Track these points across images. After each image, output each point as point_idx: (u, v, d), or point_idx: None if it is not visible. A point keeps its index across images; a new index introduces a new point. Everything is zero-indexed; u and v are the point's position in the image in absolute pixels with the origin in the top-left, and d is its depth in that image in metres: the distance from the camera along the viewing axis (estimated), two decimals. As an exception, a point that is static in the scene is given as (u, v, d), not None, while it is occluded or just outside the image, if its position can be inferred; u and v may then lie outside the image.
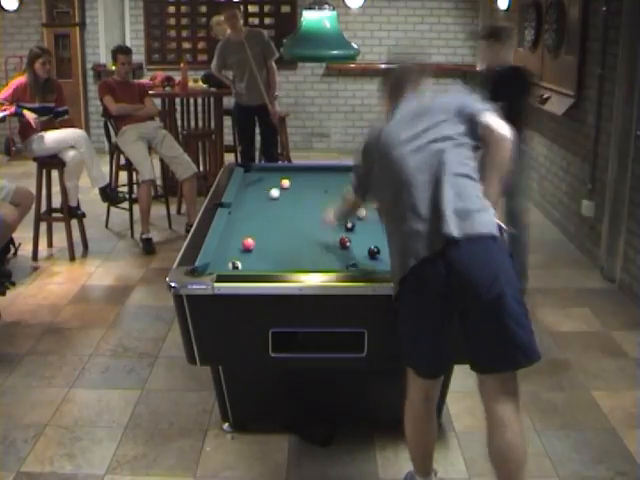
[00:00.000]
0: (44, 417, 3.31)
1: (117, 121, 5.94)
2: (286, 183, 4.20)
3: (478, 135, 2.51)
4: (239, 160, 6.95)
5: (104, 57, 8.91)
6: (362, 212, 3.68)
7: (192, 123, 7.26)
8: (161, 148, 5.96)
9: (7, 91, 5.37)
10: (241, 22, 6.57)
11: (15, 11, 8.89)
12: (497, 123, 2.49)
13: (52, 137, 5.41)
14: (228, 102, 7.13)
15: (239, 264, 2.91)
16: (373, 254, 3.09)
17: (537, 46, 6.58)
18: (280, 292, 2.74)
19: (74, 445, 3.12)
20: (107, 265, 5.34)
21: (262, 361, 2.86)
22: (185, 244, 3.15)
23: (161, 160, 6.26)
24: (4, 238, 4.54)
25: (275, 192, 4.06)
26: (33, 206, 4.94)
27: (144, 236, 5.70)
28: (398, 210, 2.46)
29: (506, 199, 4.16)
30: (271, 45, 6.50)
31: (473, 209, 2.37)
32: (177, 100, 7.18)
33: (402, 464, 2.99)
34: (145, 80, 6.82)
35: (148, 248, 5.64)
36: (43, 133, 5.38)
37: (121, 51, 5.97)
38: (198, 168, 6.77)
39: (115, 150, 6.16)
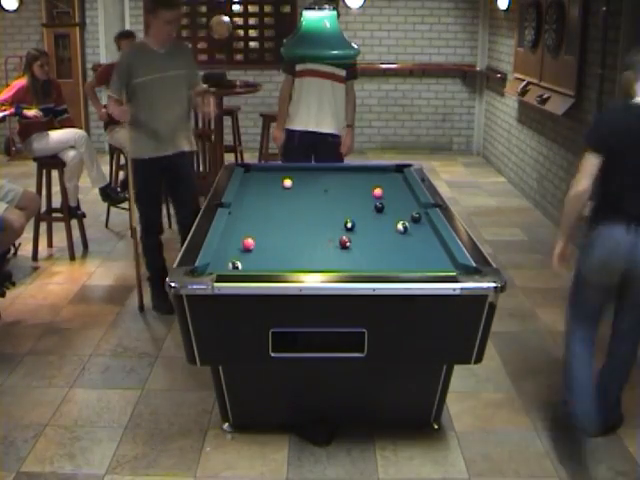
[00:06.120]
0: (44, 417, 3.31)
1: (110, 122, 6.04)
2: (288, 182, 4.21)
3: None
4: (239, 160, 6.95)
5: (104, 57, 8.89)
6: None
7: (192, 123, 7.22)
8: None
9: (8, 93, 5.36)
10: None
11: (15, 11, 8.88)
12: None
13: (52, 137, 5.40)
14: (227, 102, 7.12)
15: (239, 264, 2.91)
16: (379, 210, 3.62)
17: (537, 46, 6.58)
18: (280, 292, 2.74)
19: (74, 445, 3.11)
20: (107, 265, 5.34)
21: (262, 361, 2.86)
22: (185, 244, 3.15)
23: None
24: (10, 242, 4.54)
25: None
26: (36, 208, 4.93)
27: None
28: None
29: None
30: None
31: None
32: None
33: (402, 464, 2.99)
34: None
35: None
36: (43, 133, 5.38)
37: (122, 36, 6.05)
38: (198, 168, 6.76)
39: (115, 150, 6.16)
